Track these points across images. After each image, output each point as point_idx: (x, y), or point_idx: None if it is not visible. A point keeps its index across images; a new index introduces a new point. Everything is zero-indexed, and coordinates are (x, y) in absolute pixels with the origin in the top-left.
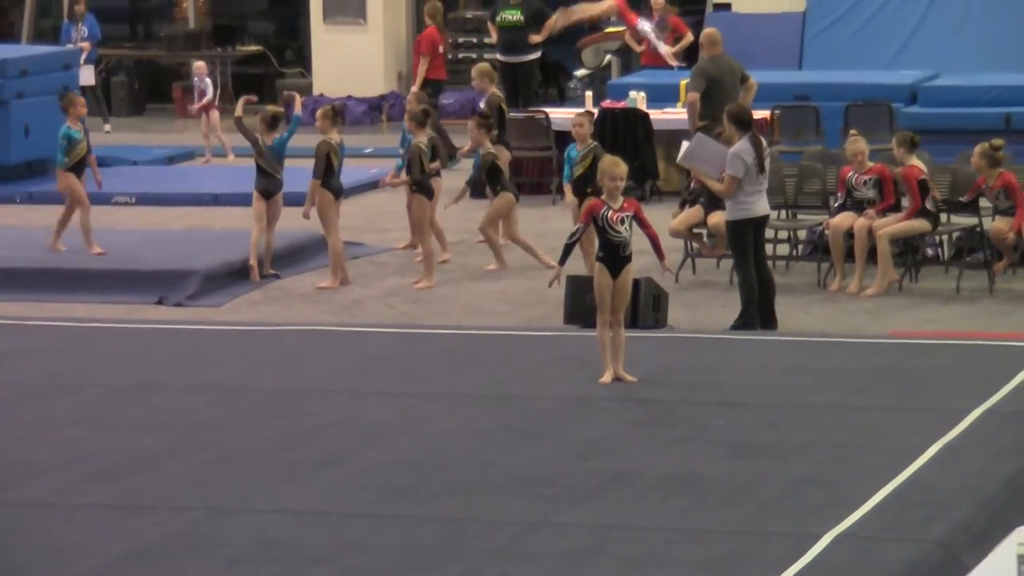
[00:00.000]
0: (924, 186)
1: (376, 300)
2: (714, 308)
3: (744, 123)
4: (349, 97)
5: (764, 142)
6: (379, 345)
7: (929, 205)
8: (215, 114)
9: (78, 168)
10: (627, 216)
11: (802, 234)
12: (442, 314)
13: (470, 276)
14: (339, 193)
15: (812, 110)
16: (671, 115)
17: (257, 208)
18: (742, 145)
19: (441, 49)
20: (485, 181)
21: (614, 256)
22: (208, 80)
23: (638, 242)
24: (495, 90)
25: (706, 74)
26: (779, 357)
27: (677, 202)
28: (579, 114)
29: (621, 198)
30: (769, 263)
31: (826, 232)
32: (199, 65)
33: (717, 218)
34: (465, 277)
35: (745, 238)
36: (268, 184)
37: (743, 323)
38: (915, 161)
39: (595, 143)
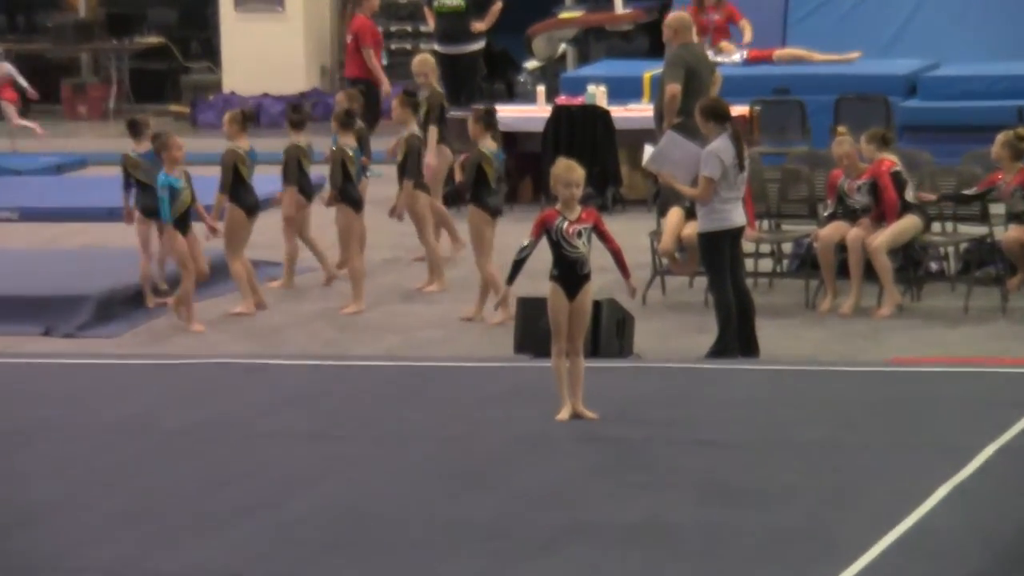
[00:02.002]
0: (899, 178)
1: (297, 327)
2: (687, 333)
3: (722, 117)
4: (265, 95)
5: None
6: (302, 380)
7: (910, 198)
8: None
9: (183, 223)
10: (585, 228)
11: (787, 247)
12: (373, 343)
13: (405, 298)
14: (254, 210)
15: (797, 105)
16: (635, 112)
17: (142, 232)
18: (720, 143)
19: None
20: (402, 165)
21: (571, 274)
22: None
23: (599, 258)
24: (436, 86)
25: (684, 63)
26: (762, 388)
27: (647, 212)
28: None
29: (578, 208)
30: (750, 280)
31: (815, 245)
32: None
33: (690, 230)
34: (400, 299)
35: (720, 252)
36: (151, 201)
37: (720, 349)
38: (885, 155)
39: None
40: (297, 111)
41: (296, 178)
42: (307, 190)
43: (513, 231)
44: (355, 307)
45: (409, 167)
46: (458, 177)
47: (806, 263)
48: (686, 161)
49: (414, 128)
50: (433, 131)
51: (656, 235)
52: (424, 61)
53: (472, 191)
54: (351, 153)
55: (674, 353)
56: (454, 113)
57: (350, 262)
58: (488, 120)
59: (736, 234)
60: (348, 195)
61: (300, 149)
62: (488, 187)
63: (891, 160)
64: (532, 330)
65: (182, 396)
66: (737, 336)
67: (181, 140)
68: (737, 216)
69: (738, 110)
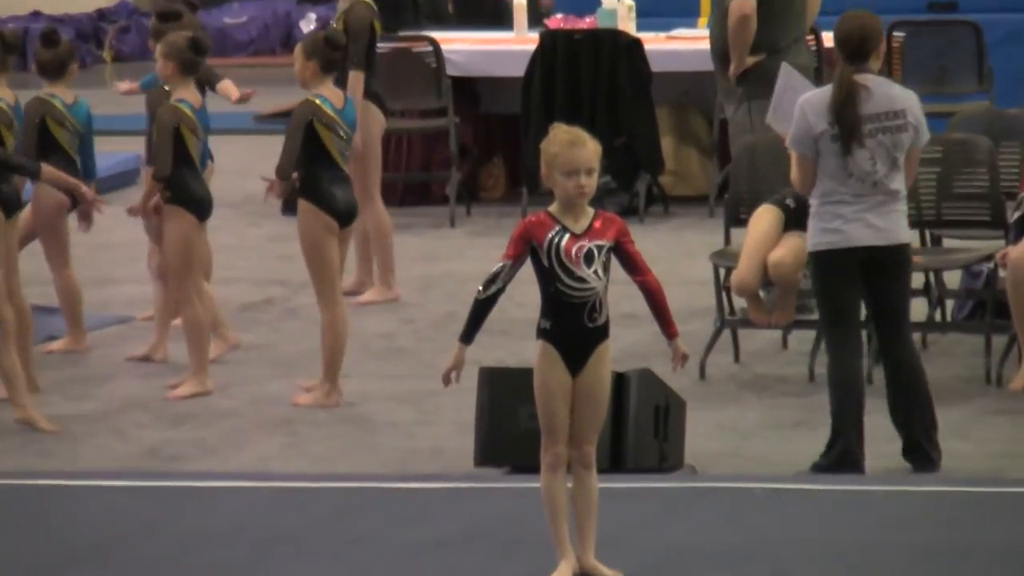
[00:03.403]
0: None
1: (96, 422)
2: (778, 429)
3: (856, 50)
4: (35, 14)
5: (864, 87)
6: (101, 513)
7: None
8: None
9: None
10: (600, 247)
11: (953, 279)
12: (229, 448)
13: (278, 367)
14: (12, 205)
15: (968, 31)
16: (686, 43)
17: None
18: (817, 96)
19: None
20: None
21: (574, 327)
22: None
23: (625, 299)
24: None
25: None
26: (906, 526)
27: (707, 218)
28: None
29: (589, 211)
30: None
31: (1001, 274)
32: None
33: (784, 249)
34: (272, 372)
35: (835, 287)
36: None
37: (836, 458)
38: None
39: None
40: (51, 42)
41: (36, 155)
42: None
43: (472, 249)
44: (194, 385)
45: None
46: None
47: (987, 305)
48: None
49: (188, 86)
50: (356, 77)
51: (724, 259)
52: None
53: (304, 176)
54: (191, 115)
55: (755, 465)
56: (386, 46)
57: (184, 307)
58: (326, 55)
59: (873, 256)
60: (184, 190)
61: (49, 107)
62: (331, 168)
63: None
64: (504, 426)
65: None
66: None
67: None
68: (861, 229)
69: None
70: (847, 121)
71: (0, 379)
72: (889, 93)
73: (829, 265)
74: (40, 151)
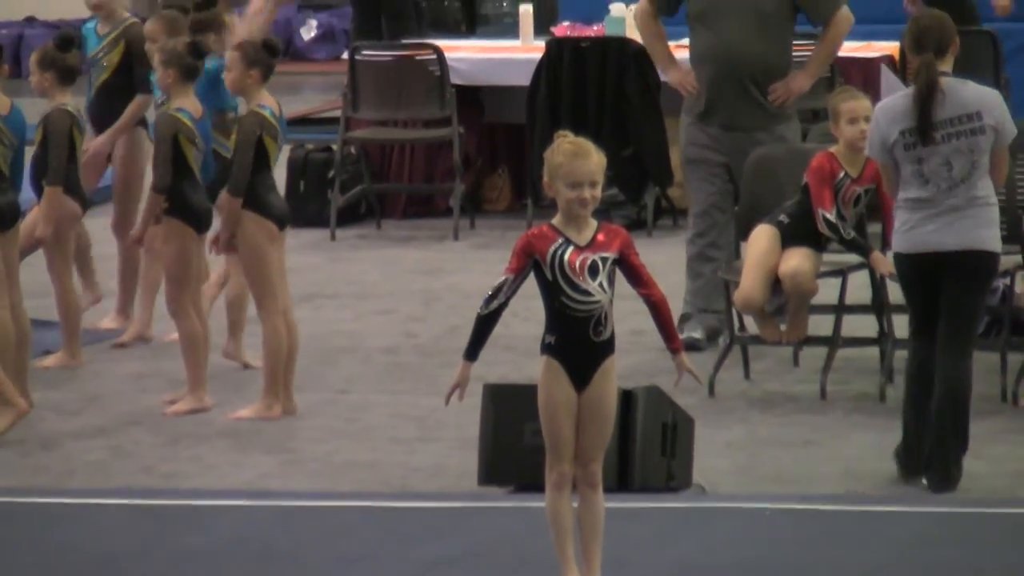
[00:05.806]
0: None
1: (91, 439)
2: (790, 448)
3: (941, 45)
4: (30, 20)
5: (940, 90)
6: (96, 531)
7: None
8: None
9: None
10: (605, 260)
11: None
12: (227, 465)
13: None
14: (11, 217)
15: (984, 39)
16: None
17: None
18: (892, 102)
19: None
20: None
21: (579, 343)
22: None
23: (630, 313)
24: None
25: None
26: (920, 547)
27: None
28: None
29: (593, 223)
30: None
31: (1017, 289)
32: None
33: (796, 261)
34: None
35: (914, 289)
36: None
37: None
38: None
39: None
40: (65, 45)
41: (64, 170)
42: (80, 191)
43: (476, 263)
44: (192, 401)
45: (50, 159)
46: None
47: (1003, 321)
48: None
49: (64, 98)
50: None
51: (734, 274)
52: None
53: (249, 187)
54: (190, 123)
55: (765, 484)
56: (369, 53)
57: (181, 321)
58: (266, 61)
59: (948, 261)
60: (182, 202)
61: (71, 117)
62: (268, 175)
63: None
64: (508, 443)
65: None
66: (918, 449)
67: None
68: (932, 234)
69: (881, 47)
70: (923, 122)
71: None
72: (962, 96)
73: (906, 268)
74: (57, 166)
